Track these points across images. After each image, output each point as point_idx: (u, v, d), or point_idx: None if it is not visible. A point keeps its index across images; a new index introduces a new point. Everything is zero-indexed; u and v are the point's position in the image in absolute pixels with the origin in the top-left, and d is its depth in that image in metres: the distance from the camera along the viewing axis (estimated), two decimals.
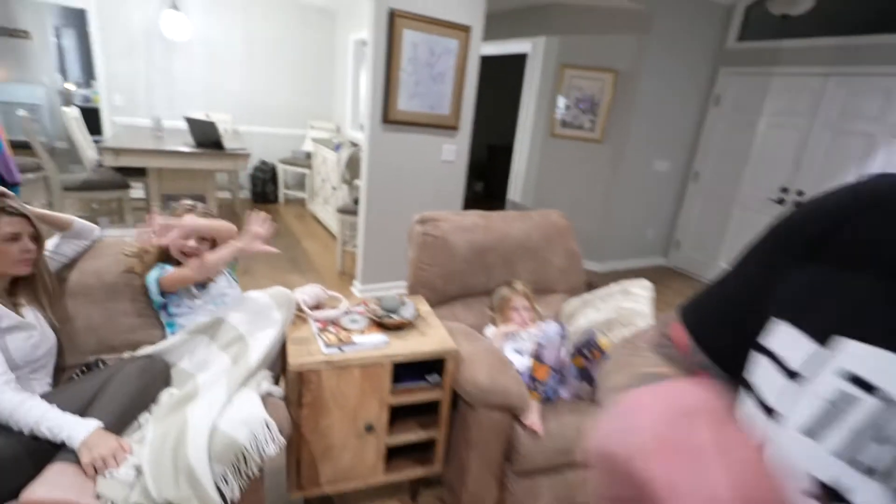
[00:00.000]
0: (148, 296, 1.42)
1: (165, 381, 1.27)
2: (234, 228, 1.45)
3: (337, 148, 4.20)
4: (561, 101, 4.14)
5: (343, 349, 1.33)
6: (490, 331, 1.68)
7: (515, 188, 4.57)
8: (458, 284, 1.73)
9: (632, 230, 4.42)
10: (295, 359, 1.28)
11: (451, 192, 3.36)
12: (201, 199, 3.45)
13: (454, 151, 3.25)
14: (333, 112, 5.70)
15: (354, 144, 4.09)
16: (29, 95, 6.61)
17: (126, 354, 1.32)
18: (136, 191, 4.24)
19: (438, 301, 1.72)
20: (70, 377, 1.28)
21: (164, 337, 1.43)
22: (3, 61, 6.66)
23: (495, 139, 6.53)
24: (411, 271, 1.74)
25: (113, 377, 1.15)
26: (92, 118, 4.90)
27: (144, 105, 4.74)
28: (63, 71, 7.38)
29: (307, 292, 1.55)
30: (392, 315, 1.48)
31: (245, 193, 5.49)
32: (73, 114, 3.60)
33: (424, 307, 1.62)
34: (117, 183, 3.39)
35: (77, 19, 7.08)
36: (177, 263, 1.43)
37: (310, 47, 5.40)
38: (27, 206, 1.22)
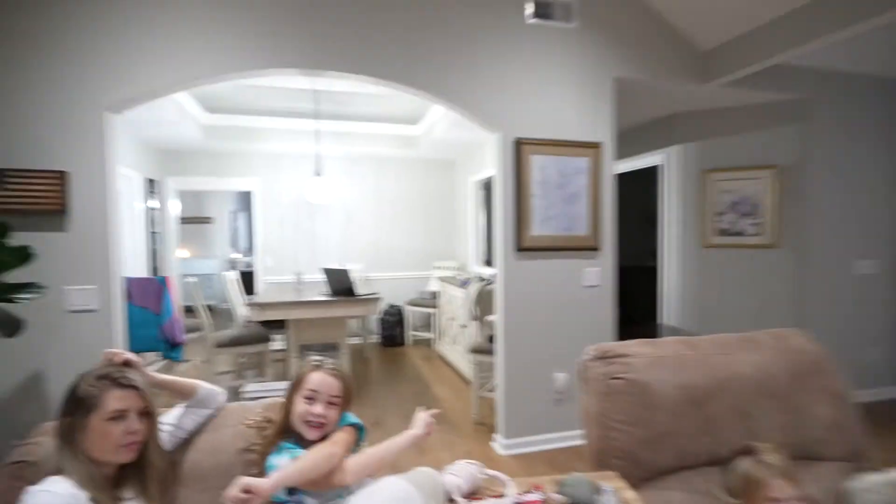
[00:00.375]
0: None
1: None
2: (333, 455, 1.08)
3: (464, 284, 4.04)
4: (710, 209, 3.63)
5: None
6: None
7: (668, 310, 3.90)
8: (670, 451, 1.19)
9: (843, 352, 3.36)
10: None
11: (600, 321, 2.87)
12: (334, 347, 3.38)
13: (598, 274, 2.85)
14: (456, 251, 5.77)
15: (483, 279, 3.91)
16: (206, 267, 7.83)
17: None
18: (277, 343, 4.41)
19: (641, 478, 1.19)
20: None
21: None
22: (193, 242, 8.16)
23: (626, 260, 6.00)
24: (594, 432, 1.26)
25: None
26: (250, 280, 5.52)
27: (290, 263, 5.22)
28: (235, 244, 8.80)
29: (460, 474, 1.14)
30: None
31: (374, 338, 5.51)
32: (231, 277, 3.99)
33: (629, 494, 1.09)
34: (260, 337, 3.51)
35: (248, 203, 8.65)
36: (302, 438, 1.15)
37: (432, 194, 5.74)
38: (147, 374, 1.07)
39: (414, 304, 5.24)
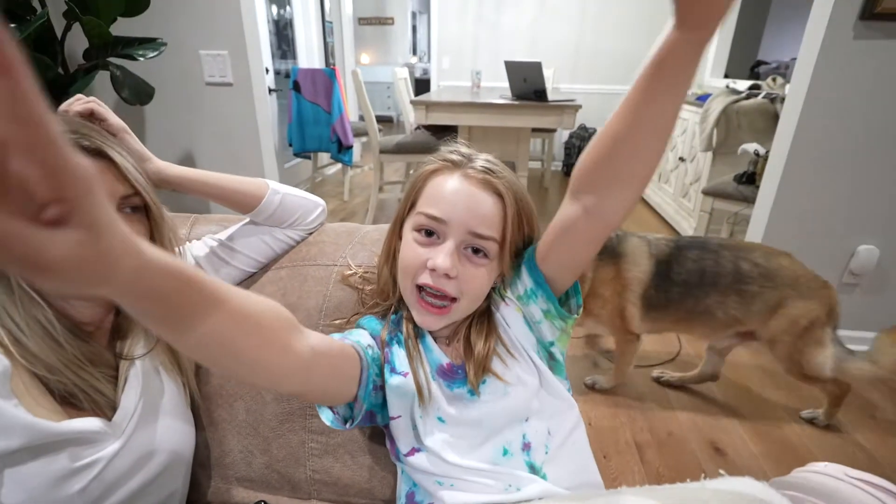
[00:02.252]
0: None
1: None
2: None
3: (700, 99, 2.80)
4: None
5: None
6: None
7: None
8: None
9: None
10: None
11: None
12: (512, 166, 2.71)
13: None
14: None
15: (736, 91, 2.61)
16: (385, 75, 7.50)
17: None
18: None
19: None
20: None
21: (392, 482, 0.57)
22: (373, 47, 7.79)
23: None
24: None
25: None
26: (426, 88, 4.95)
27: (469, 65, 4.42)
28: (414, 49, 8.21)
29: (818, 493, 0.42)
30: None
31: (556, 165, 4.68)
32: (400, 74, 3.42)
33: None
34: (428, 146, 3.01)
35: (429, 2, 7.67)
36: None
37: None
38: (138, 148, 0.52)
39: None
